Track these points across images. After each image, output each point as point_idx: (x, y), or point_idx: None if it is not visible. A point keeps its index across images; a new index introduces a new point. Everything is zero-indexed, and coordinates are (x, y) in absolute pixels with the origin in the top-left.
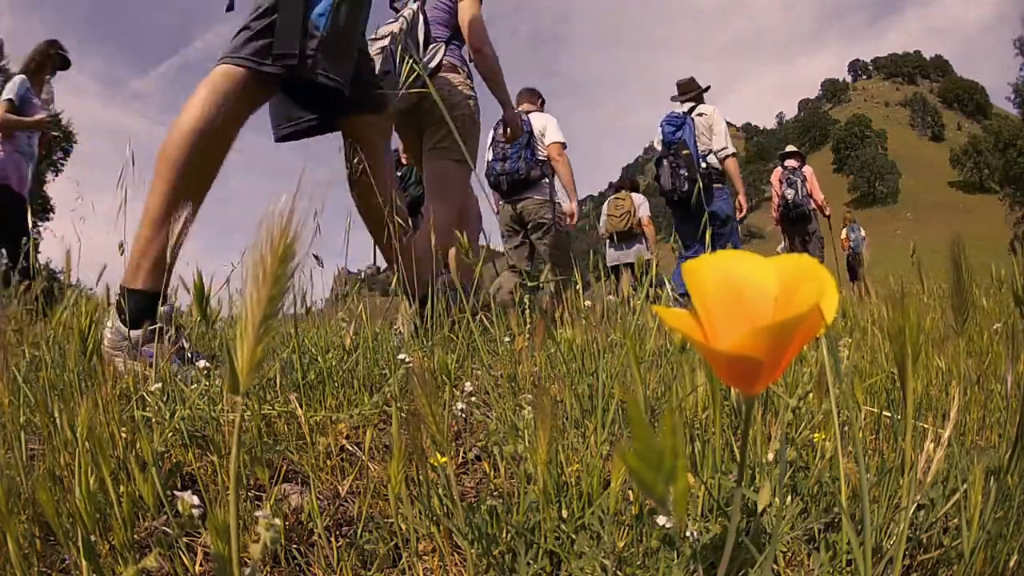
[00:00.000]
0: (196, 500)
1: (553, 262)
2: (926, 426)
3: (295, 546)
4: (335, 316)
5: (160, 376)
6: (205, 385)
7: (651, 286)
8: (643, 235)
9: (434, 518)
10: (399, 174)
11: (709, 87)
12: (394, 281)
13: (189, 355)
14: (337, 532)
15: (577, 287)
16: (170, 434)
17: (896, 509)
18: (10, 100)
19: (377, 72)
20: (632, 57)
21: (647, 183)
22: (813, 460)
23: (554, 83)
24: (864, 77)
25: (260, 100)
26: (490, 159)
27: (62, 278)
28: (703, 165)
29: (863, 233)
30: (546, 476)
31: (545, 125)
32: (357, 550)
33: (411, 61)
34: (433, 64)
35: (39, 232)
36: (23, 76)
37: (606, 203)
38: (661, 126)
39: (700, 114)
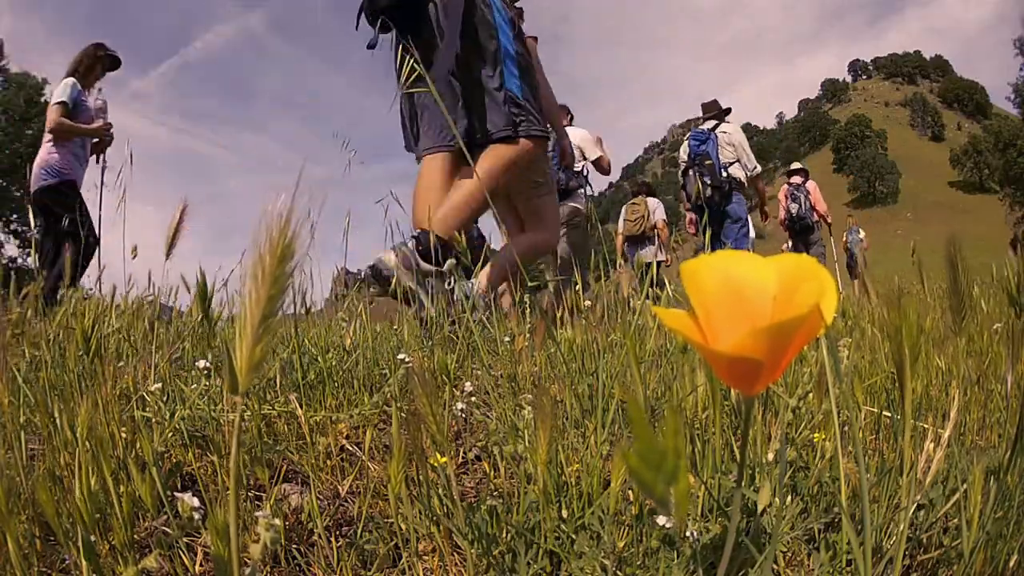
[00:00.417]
0: (196, 501)
1: (576, 256)
2: (926, 426)
3: (295, 546)
4: (335, 316)
5: (160, 376)
6: (205, 385)
7: (651, 286)
8: (658, 237)
9: (434, 518)
10: None
11: (730, 109)
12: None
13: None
14: (337, 532)
15: (577, 287)
16: (170, 434)
17: (896, 509)
18: (64, 103)
19: None
20: (632, 57)
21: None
22: (813, 460)
23: (554, 83)
24: (864, 77)
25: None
26: None
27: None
28: (723, 175)
29: (861, 235)
30: (546, 476)
31: (582, 140)
32: (357, 550)
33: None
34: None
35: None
36: (73, 79)
37: (624, 208)
38: (688, 141)
39: (723, 131)
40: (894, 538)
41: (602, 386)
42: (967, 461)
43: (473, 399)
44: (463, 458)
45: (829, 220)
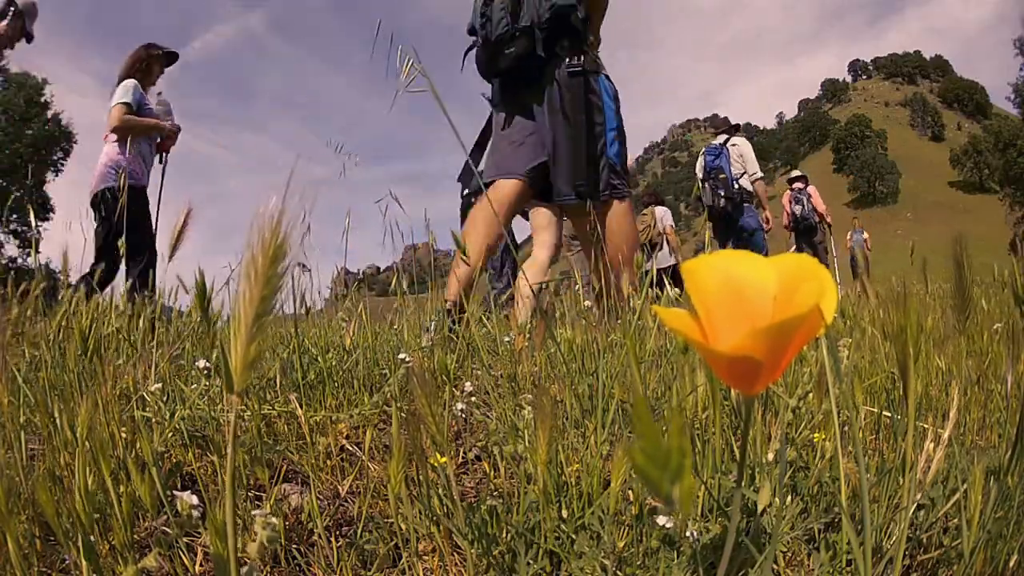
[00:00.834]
0: (196, 500)
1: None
2: (926, 426)
3: (295, 546)
4: (335, 316)
5: (160, 376)
6: (205, 385)
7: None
8: (668, 243)
9: (434, 518)
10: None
11: (739, 125)
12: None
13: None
14: (337, 532)
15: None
16: (170, 434)
17: (896, 509)
18: (127, 104)
19: None
20: (632, 57)
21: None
22: (813, 460)
23: None
24: (864, 77)
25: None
26: None
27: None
28: (736, 187)
29: (864, 236)
30: (546, 476)
31: None
32: (357, 550)
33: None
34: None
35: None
36: (135, 81)
37: None
38: (703, 155)
39: (733, 144)
40: (894, 538)
41: (602, 386)
42: (967, 461)
43: (473, 399)
44: (463, 458)
45: (829, 220)
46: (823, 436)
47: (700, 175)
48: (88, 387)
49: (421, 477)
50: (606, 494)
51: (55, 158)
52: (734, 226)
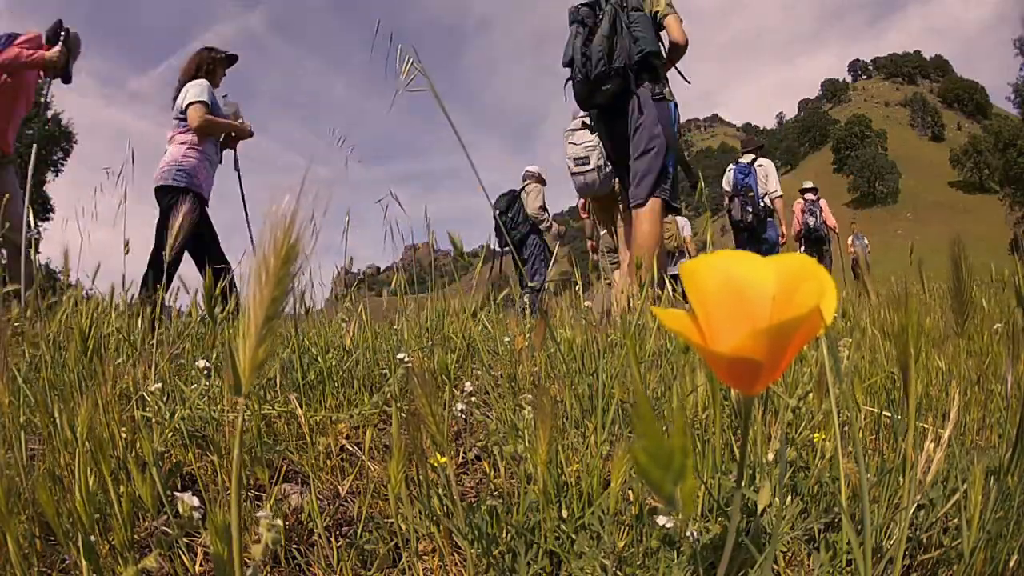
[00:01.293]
0: (196, 501)
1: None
2: (926, 426)
3: (295, 546)
4: (335, 316)
5: (160, 376)
6: (205, 385)
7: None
8: (688, 252)
9: (434, 518)
10: (507, 217)
11: (764, 144)
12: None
13: None
14: (337, 532)
15: (577, 287)
16: (170, 434)
17: (896, 509)
18: (205, 102)
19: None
20: None
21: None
22: (813, 460)
23: (554, 83)
24: (864, 77)
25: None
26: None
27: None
28: (761, 204)
29: (866, 241)
30: (546, 476)
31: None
32: (357, 550)
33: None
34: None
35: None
36: (206, 81)
37: None
38: (733, 172)
39: (760, 165)
40: (894, 538)
41: (602, 386)
42: (967, 461)
43: (473, 399)
44: (463, 458)
45: (837, 232)
46: (823, 436)
47: (729, 190)
48: (88, 387)
49: (421, 477)
50: (606, 494)
51: (55, 158)
52: (758, 239)
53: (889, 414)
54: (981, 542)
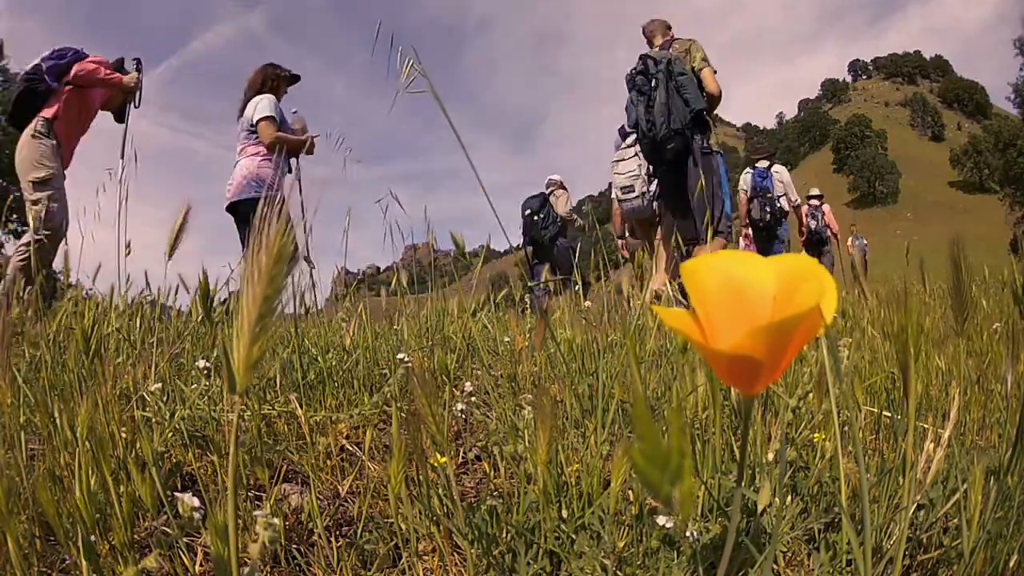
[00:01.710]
0: (196, 501)
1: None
2: (926, 426)
3: (295, 546)
4: (335, 316)
5: (160, 376)
6: (205, 385)
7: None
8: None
9: (434, 518)
10: (538, 217)
11: (776, 151)
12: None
13: None
14: (337, 532)
15: (577, 287)
16: (170, 434)
17: (896, 509)
18: (273, 118)
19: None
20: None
21: None
22: (813, 460)
23: (554, 83)
24: (864, 77)
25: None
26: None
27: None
28: (777, 206)
29: (865, 242)
30: (546, 476)
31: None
32: (357, 550)
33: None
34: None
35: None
36: (273, 96)
37: None
38: (752, 176)
39: (776, 171)
40: (894, 538)
41: (602, 386)
42: (967, 461)
43: (473, 399)
44: (463, 458)
45: (839, 236)
46: (823, 436)
47: (747, 191)
48: (88, 387)
49: (421, 477)
50: (606, 494)
51: None
52: (774, 237)
53: (889, 414)
54: (981, 542)
